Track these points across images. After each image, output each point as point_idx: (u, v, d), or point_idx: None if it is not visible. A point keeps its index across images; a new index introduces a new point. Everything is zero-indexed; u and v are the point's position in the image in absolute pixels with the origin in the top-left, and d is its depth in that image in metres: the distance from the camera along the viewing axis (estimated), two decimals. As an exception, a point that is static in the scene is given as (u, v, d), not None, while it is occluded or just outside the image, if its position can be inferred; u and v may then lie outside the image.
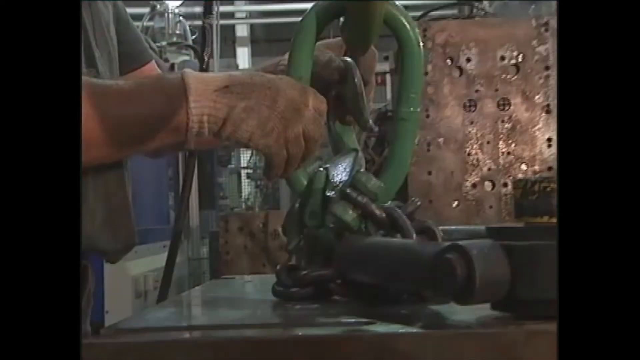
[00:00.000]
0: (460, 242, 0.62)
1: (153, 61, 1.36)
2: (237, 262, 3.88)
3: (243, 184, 7.13)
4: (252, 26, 14.75)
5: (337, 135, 1.06)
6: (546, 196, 0.64)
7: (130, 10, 1.35)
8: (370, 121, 1.01)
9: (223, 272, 3.92)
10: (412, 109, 0.96)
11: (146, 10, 6.55)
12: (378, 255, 0.78)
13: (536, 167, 2.54)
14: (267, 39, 16.18)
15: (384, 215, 0.86)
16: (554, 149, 2.51)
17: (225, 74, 0.91)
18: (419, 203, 0.90)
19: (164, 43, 6.22)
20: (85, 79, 0.88)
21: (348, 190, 0.90)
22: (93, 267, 1.19)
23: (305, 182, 0.97)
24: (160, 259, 4.60)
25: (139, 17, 5.70)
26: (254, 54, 14.61)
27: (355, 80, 1.00)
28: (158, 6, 6.48)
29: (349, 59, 1.05)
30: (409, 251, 0.72)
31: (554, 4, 5.80)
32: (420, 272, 0.67)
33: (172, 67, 5.52)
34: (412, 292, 0.80)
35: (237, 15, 13.89)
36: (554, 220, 0.63)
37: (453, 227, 1.02)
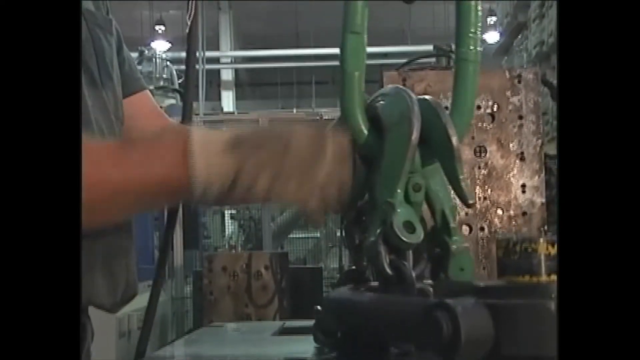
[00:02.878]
0: (446, 300, 0.65)
1: (146, 91, 1.33)
2: (221, 302, 3.92)
3: (226, 223, 7.19)
4: (236, 70, 14.97)
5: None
6: (528, 256, 0.66)
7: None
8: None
9: (207, 311, 3.96)
10: (471, 47, 0.90)
11: (134, 54, 6.69)
12: (367, 310, 0.80)
13: (511, 212, 2.64)
14: (251, 82, 16.39)
15: (391, 273, 0.81)
16: (528, 194, 2.61)
17: (232, 130, 0.86)
18: (428, 266, 0.85)
19: (151, 87, 6.34)
20: (86, 142, 0.81)
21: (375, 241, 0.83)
22: (91, 323, 1.17)
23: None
24: (145, 299, 4.62)
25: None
26: (238, 98, 14.80)
27: (444, 121, 0.85)
28: (146, 51, 6.61)
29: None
30: (398, 307, 0.74)
31: (525, 57, 5.99)
32: (408, 328, 0.70)
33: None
34: (399, 347, 0.80)
35: (223, 60, 14.10)
36: (535, 279, 0.65)
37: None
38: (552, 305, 0.63)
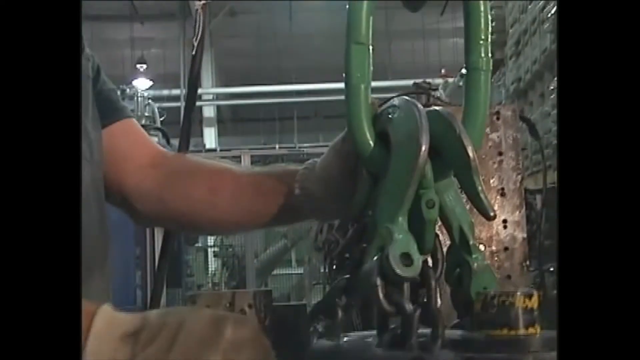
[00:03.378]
0: (423, 356, 0.66)
1: (131, 119, 1.24)
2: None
3: (210, 261, 7.15)
4: (218, 107, 15.04)
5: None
6: (505, 309, 0.65)
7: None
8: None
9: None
10: (482, 55, 0.86)
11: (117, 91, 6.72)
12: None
13: (493, 248, 2.66)
14: (233, 119, 16.46)
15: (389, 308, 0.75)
16: (509, 229, 2.64)
17: (142, 316, 0.74)
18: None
19: (134, 125, 6.35)
20: None
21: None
22: None
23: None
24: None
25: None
26: (220, 134, 14.84)
27: (458, 132, 0.80)
28: (128, 90, 6.63)
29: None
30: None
31: (503, 93, 6.08)
32: None
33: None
34: None
35: (204, 97, 14.18)
36: (513, 332, 0.65)
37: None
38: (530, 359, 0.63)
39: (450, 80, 11.58)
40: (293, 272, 6.45)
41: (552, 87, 4.39)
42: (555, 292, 3.41)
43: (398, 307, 0.73)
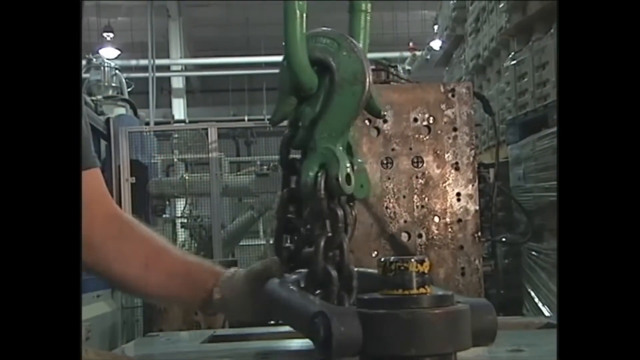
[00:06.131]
0: (324, 310, 0.78)
1: (97, 170, 1.26)
2: (170, 311, 3.97)
3: (178, 232, 7.19)
4: (187, 78, 14.94)
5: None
6: (401, 273, 0.77)
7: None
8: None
9: (156, 320, 4.00)
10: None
11: (82, 63, 6.65)
12: (282, 304, 0.95)
13: (447, 219, 2.78)
14: (202, 89, 16.37)
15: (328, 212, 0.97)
16: (462, 202, 2.76)
17: None
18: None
19: (99, 97, 6.31)
20: None
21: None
22: None
23: None
24: (93, 309, 4.64)
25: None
26: (189, 105, 14.77)
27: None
28: (94, 59, 6.57)
29: None
30: (300, 311, 0.88)
31: (463, 70, 6.14)
32: (304, 327, 0.84)
33: (107, 121, 5.64)
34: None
35: (173, 67, 14.06)
36: (407, 292, 0.77)
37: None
38: (415, 315, 0.75)
39: (418, 53, 11.70)
40: (260, 242, 6.54)
41: (506, 65, 4.49)
42: (506, 260, 3.58)
43: (332, 214, 0.95)
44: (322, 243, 0.95)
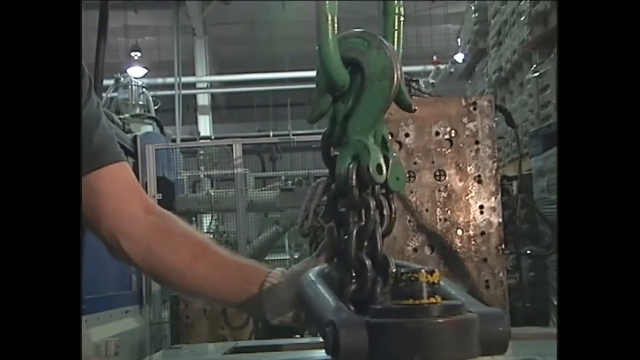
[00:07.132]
0: (334, 319, 0.81)
1: (124, 163, 1.26)
2: (197, 326, 4.01)
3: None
4: (213, 94, 15.09)
5: None
6: (412, 284, 0.79)
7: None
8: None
9: (183, 335, 4.05)
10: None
11: (110, 82, 6.77)
12: (307, 307, 0.97)
13: (470, 232, 2.78)
14: (227, 106, 16.51)
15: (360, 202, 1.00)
16: (486, 215, 2.76)
17: None
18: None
19: (127, 115, 6.41)
20: None
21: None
22: None
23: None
24: (122, 324, 4.70)
25: (102, 89, 5.90)
26: (215, 121, 14.91)
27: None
28: (122, 79, 6.69)
29: None
30: (317, 312, 0.91)
31: (486, 83, 6.12)
32: (321, 333, 0.87)
33: (134, 139, 5.73)
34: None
35: (199, 85, 14.22)
36: (417, 302, 0.79)
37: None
38: (421, 325, 0.77)
39: (442, 67, 11.69)
40: (286, 257, 6.56)
41: (528, 77, 4.49)
42: (531, 273, 3.57)
43: (364, 203, 0.98)
44: (355, 232, 0.98)
